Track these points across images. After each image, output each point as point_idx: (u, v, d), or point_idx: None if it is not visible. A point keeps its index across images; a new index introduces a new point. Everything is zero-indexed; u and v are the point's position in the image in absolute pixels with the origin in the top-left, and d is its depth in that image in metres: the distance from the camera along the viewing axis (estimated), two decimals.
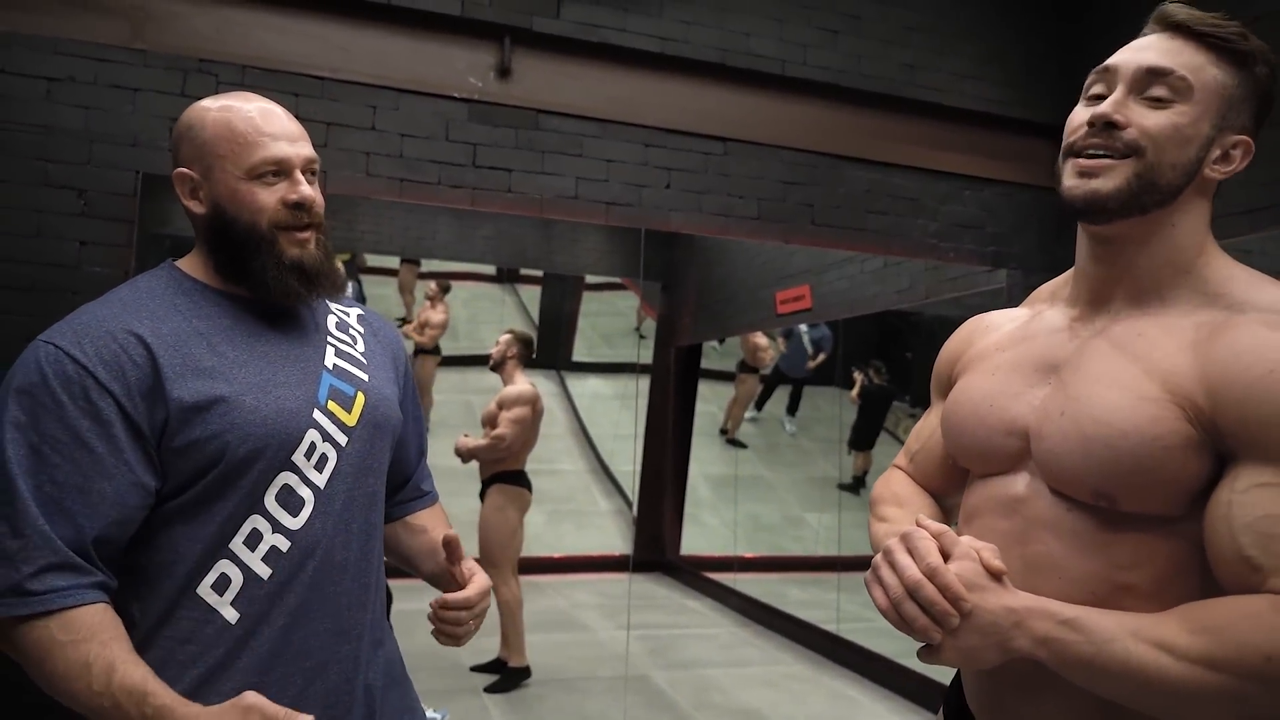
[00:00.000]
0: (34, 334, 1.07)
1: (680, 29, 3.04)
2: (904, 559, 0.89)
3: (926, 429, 1.24)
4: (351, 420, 1.17)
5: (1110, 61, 0.97)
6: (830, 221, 3.23)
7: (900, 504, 1.20)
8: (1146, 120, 0.92)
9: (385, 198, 2.76)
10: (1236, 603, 0.82)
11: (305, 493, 1.11)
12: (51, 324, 1.09)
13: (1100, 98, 0.97)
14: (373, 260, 7.10)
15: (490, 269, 7.69)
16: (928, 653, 0.89)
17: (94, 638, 0.98)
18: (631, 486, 6.84)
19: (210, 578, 1.06)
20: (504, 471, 4.09)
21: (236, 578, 1.07)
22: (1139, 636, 0.83)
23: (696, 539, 6.70)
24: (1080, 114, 0.98)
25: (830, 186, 3.24)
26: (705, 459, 7.03)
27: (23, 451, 0.99)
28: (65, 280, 2.46)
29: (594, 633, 5.06)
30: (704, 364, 6.80)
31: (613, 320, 8.15)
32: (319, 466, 1.12)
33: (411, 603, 3.04)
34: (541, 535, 6.23)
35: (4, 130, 2.44)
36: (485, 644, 4.03)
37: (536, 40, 2.92)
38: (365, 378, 1.22)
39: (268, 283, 1.14)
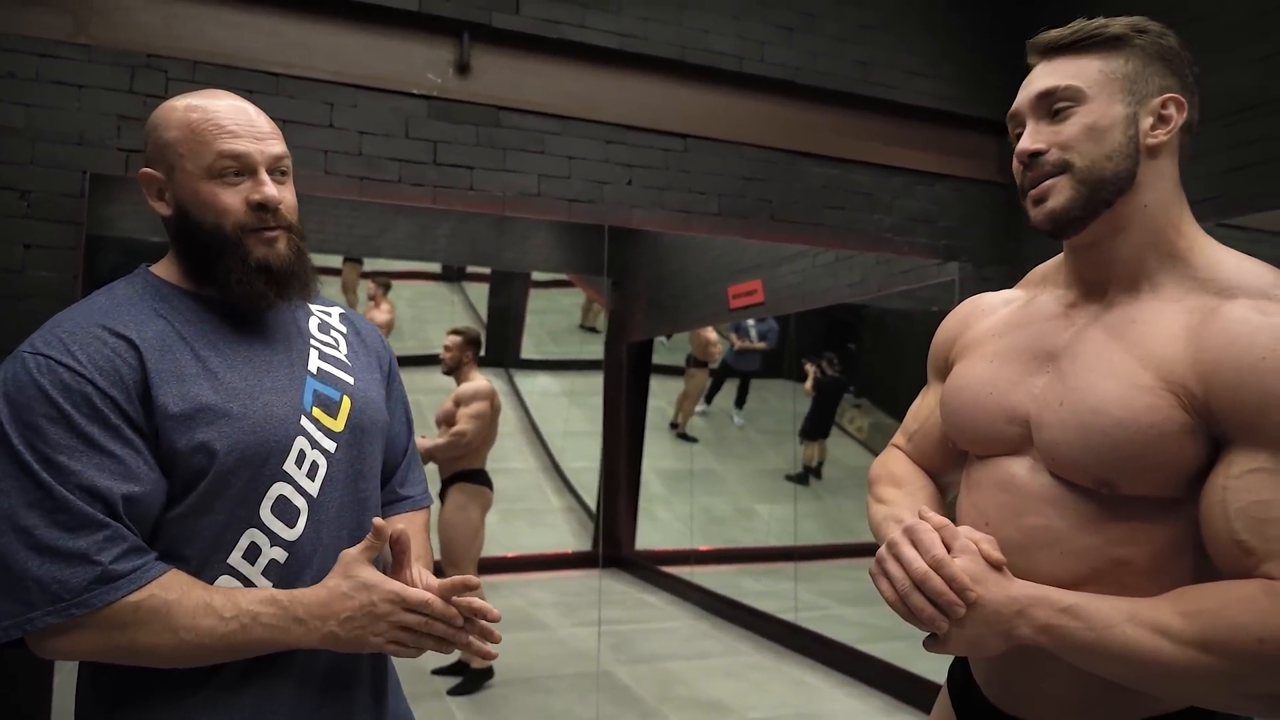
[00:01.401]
0: None
1: (640, 25, 3.04)
2: (909, 552, 0.92)
3: (924, 409, 1.26)
4: (338, 426, 1.14)
5: (1013, 108, 1.04)
6: (789, 217, 3.27)
7: (898, 484, 1.22)
8: (1059, 136, 0.98)
9: (345, 197, 2.71)
10: (1229, 587, 0.85)
11: (300, 502, 1.08)
12: None
13: (1019, 138, 1.03)
14: (315, 260, 6.94)
15: (436, 267, 7.59)
16: (934, 642, 0.92)
17: (195, 584, 1.00)
18: (583, 484, 6.83)
19: None
20: (465, 470, 4.05)
21: None
22: (1136, 621, 0.85)
23: (650, 533, 6.72)
24: (1014, 158, 1.05)
25: (788, 182, 3.28)
26: (655, 454, 7.05)
27: (43, 463, 0.95)
28: (10, 285, 2.35)
29: (554, 630, 5.05)
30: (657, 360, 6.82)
31: (559, 318, 8.12)
32: (310, 475, 1.10)
33: None
34: (496, 535, 6.17)
35: None
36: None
37: (496, 36, 2.89)
38: (350, 381, 1.19)
39: (233, 285, 1.09)
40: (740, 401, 7.49)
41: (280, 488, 1.07)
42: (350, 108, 2.73)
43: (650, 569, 6.31)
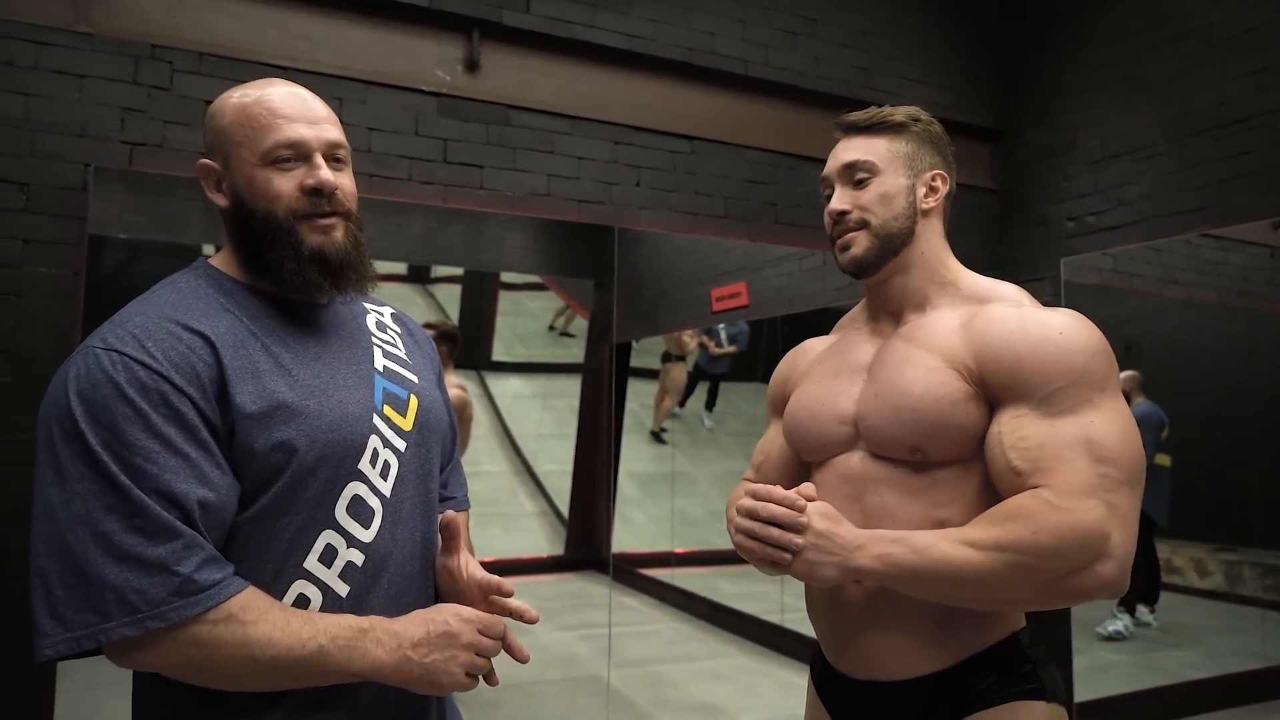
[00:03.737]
0: None
1: (648, 27, 3.03)
2: (745, 502, 1.15)
3: (767, 443, 1.49)
4: (407, 425, 1.12)
5: (825, 172, 1.34)
6: (793, 220, 3.29)
7: None
8: (861, 199, 1.28)
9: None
10: (1011, 501, 1.10)
11: (374, 502, 1.06)
12: None
13: (829, 197, 1.33)
14: None
15: (401, 268, 7.47)
16: (776, 566, 1.13)
17: (272, 606, 0.97)
18: (556, 487, 6.78)
19: (288, 600, 1.00)
20: None
21: (316, 598, 1.01)
22: (947, 539, 1.09)
23: (625, 536, 6.70)
24: (826, 213, 1.33)
25: (791, 186, 3.29)
26: (628, 456, 7.04)
27: (121, 465, 0.91)
28: (7, 282, 2.25)
29: (535, 635, 5.00)
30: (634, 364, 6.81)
31: (527, 321, 8.06)
32: (384, 474, 1.07)
33: None
34: (471, 539, 6.11)
35: None
36: None
37: (505, 34, 2.86)
38: (415, 379, 1.18)
39: (285, 276, 1.05)
40: (710, 404, 7.51)
41: (355, 487, 1.04)
42: (359, 104, 2.67)
43: (628, 572, 6.29)
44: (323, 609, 1.01)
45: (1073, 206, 3.40)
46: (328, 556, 1.02)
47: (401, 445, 1.10)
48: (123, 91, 2.40)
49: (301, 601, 1.01)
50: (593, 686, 4.08)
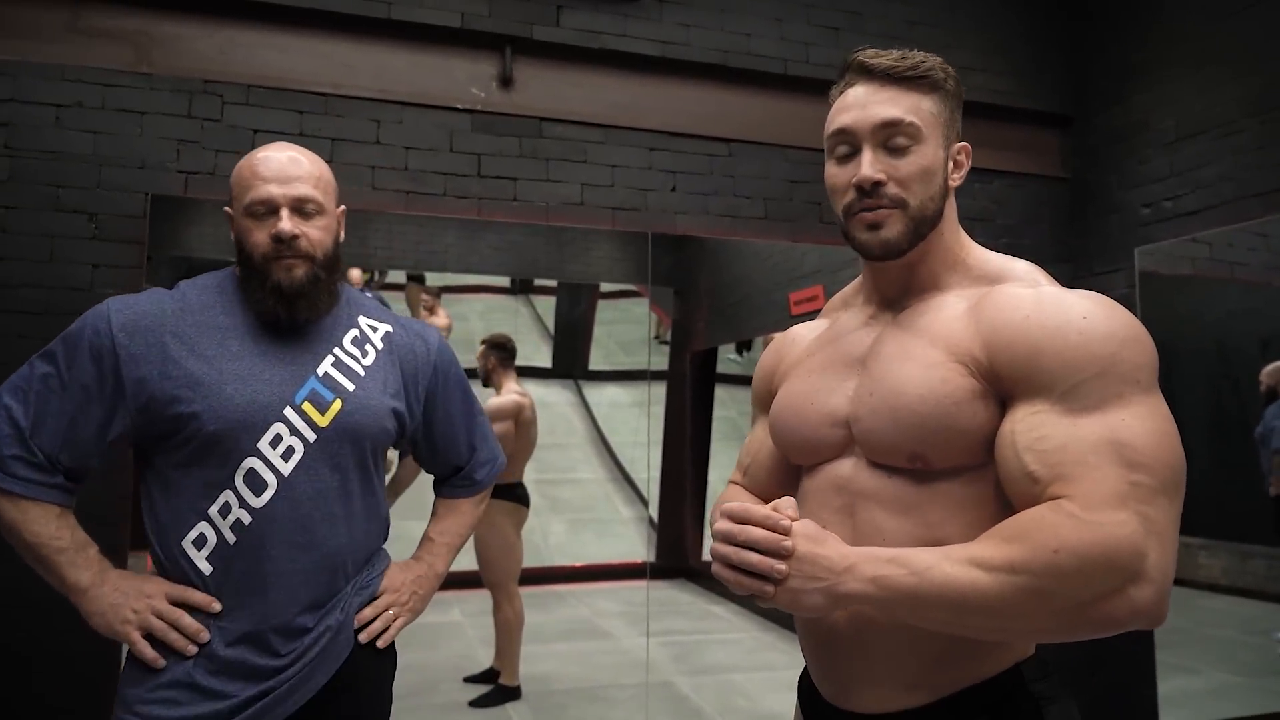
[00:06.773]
0: None
1: (681, 32, 3.03)
2: (723, 525, 1.00)
3: (755, 442, 1.35)
4: (323, 421, 1.35)
5: (844, 124, 1.09)
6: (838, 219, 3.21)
7: None
8: (899, 171, 1.06)
9: (392, 211, 2.78)
10: (1026, 514, 0.94)
11: (269, 477, 1.31)
12: None
13: (847, 157, 1.10)
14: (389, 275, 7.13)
15: (504, 280, 7.71)
16: (763, 598, 0.97)
17: (48, 524, 1.30)
18: (654, 494, 6.82)
19: (191, 535, 1.30)
20: (497, 486, 4.04)
21: (211, 538, 1.30)
22: (951, 559, 0.93)
23: None
24: (839, 175, 1.11)
25: None
26: (725, 464, 6.99)
27: (42, 373, 1.29)
28: (78, 304, 2.48)
29: (618, 640, 5.05)
30: (724, 370, 6.78)
31: (630, 328, 8.15)
32: (285, 456, 1.31)
33: (436, 616, 3.03)
34: (563, 545, 6.23)
35: (16, 157, 2.48)
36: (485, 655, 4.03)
37: (537, 49, 2.93)
38: (350, 388, 1.39)
39: (252, 302, 1.36)
40: None
41: (251, 461, 1.30)
42: (396, 124, 2.80)
43: (716, 580, 6.25)
44: (215, 549, 1.30)
45: (1147, 192, 3.17)
46: (224, 511, 1.30)
47: (312, 437, 1.34)
48: (178, 125, 2.61)
49: (200, 539, 1.30)
50: (662, 692, 4.08)
